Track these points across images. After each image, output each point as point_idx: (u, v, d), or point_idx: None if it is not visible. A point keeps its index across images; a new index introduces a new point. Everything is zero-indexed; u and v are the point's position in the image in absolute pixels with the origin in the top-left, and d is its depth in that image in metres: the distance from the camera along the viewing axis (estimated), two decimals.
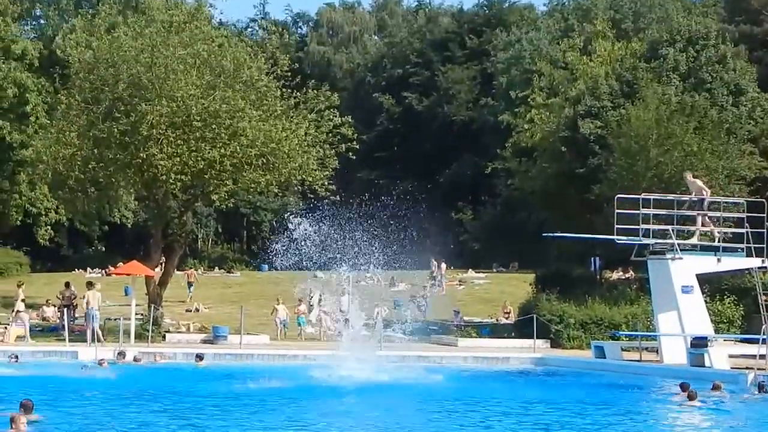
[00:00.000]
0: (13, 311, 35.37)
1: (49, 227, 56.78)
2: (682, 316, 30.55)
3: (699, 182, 32.00)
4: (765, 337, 27.53)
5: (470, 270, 59.70)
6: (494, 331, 40.47)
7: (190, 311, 43.82)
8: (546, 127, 46.94)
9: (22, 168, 51.50)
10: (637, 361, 31.76)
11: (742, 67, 42.59)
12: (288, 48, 75.38)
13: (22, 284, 36.66)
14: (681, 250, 30.85)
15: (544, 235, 36.72)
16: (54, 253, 66.22)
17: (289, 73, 36.82)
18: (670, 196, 32.03)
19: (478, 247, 72.66)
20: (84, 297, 35.13)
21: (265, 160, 35.01)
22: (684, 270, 30.70)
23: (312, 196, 37.98)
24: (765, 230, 31.01)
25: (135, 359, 29.81)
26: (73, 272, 56.00)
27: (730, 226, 33.27)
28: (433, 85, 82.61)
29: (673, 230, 30.82)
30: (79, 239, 69.02)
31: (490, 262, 65.48)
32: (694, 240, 31.58)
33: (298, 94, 36.73)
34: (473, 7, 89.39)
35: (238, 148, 34.32)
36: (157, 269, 38.62)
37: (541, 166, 45.53)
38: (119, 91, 34.98)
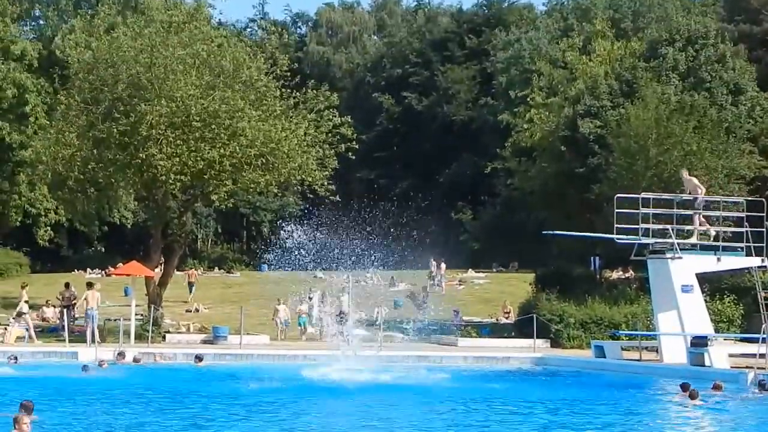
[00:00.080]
0: (16, 312, 35.41)
1: (48, 228, 56.80)
2: (682, 316, 30.55)
3: (695, 180, 31.99)
4: (765, 336, 27.53)
5: (470, 270, 59.71)
6: (494, 330, 40.48)
7: (190, 311, 43.82)
8: (545, 126, 46.93)
9: (21, 168, 51.54)
10: (637, 360, 31.76)
11: (741, 66, 42.57)
12: (287, 48, 75.42)
13: (26, 285, 36.71)
14: (681, 249, 30.85)
15: (544, 234, 36.73)
16: (54, 253, 66.22)
17: (289, 73, 36.84)
18: (670, 196, 32.02)
19: (478, 247, 72.65)
20: (84, 297, 35.16)
21: (264, 160, 35.01)
22: (684, 269, 30.71)
23: (312, 196, 37.97)
24: (764, 229, 31.01)
25: (135, 360, 29.81)
26: (73, 273, 55.99)
27: (729, 226, 33.27)
28: (433, 84, 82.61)
29: (672, 230, 30.82)
30: (78, 240, 69.01)
31: (489, 262, 65.49)
32: (693, 239, 31.58)
33: (297, 94, 36.74)
34: (472, 6, 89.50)
35: (237, 148, 34.32)
36: (157, 270, 38.62)
37: (541, 166, 45.53)
38: (119, 91, 34.99)
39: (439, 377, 27.15)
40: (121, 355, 29.93)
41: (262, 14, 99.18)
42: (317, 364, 28.62)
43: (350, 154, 37.06)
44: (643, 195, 31.24)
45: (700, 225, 31.43)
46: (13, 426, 15.01)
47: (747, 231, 30.94)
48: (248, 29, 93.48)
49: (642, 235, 30.63)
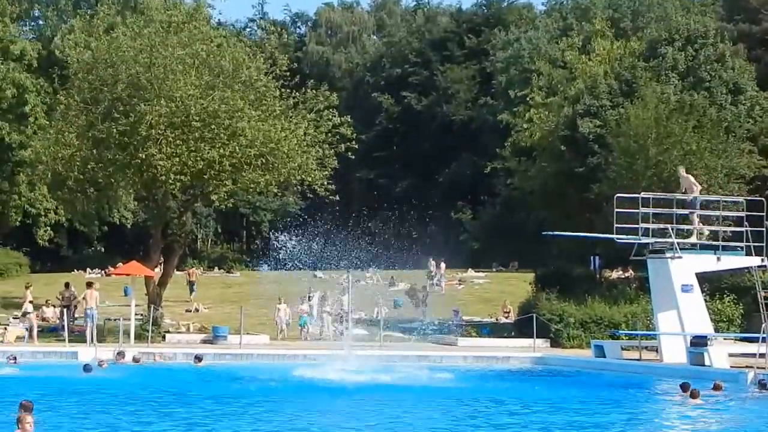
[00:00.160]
0: (21, 312, 35.43)
1: (48, 228, 56.79)
2: (681, 315, 30.56)
3: (691, 178, 31.98)
4: (765, 335, 27.54)
5: (470, 269, 59.71)
6: (494, 330, 40.47)
7: (190, 311, 43.80)
8: (545, 126, 46.93)
9: (21, 168, 51.54)
10: (637, 360, 31.77)
11: (740, 65, 42.57)
12: (287, 48, 75.39)
13: (30, 285, 36.71)
14: (680, 249, 30.86)
15: (544, 234, 36.73)
16: (53, 253, 66.20)
17: (288, 73, 36.83)
18: (670, 195, 32.01)
19: (478, 247, 72.66)
20: (82, 296, 35.17)
21: (264, 160, 35.00)
22: (683, 269, 30.71)
23: (311, 195, 37.96)
24: (764, 229, 31.01)
25: (134, 359, 29.82)
26: (73, 273, 55.95)
27: (729, 225, 33.27)
28: (432, 84, 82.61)
29: (672, 229, 30.82)
30: (78, 240, 68.99)
31: (489, 262, 65.49)
32: (693, 239, 31.58)
33: (297, 94, 36.73)
34: (472, 6, 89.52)
35: (237, 148, 34.31)
36: (157, 269, 38.61)
37: (541, 166, 45.53)
38: (118, 91, 34.98)
39: (439, 377, 27.14)
40: (121, 354, 29.94)
41: (262, 14, 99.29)
42: (316, 364, 28.62)
43: (350, 153, 37.04)
44: (643, 195, 31.24)
45: (697, 224, 31.43)
46: (16, 426, 15.16)
47: (747, 230, 30.95)
48: (248, 29, 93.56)
49: (642, 235, 30.64)
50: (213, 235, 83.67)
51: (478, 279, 56.48)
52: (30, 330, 34.45)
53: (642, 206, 30.76)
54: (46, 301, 41.87)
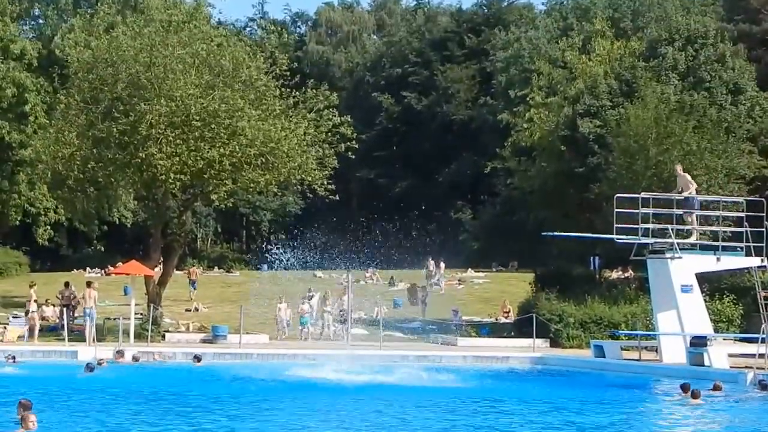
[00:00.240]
0: (26, 311, 35.46)
1: (48, 227, 56.78)
2: (681, 315, 30.56)
3: (687, 176, 31.97)
4: (764, 336, 27.54)
5: (470, 269, 59.70)
6: (494, 330, 40.48)
7: (190, 311, 43.80)
8: (545, 126, 46.92)
9: (21, 168, 51.57)
10: (637, 360, 31.77)
11: (741, 66, 42.57)
12: (287, 47, 75.46)
13: (34, 285, 36.74)
14: (680, 249, 30.85)
15: (544, 234, 36.72)
16: (53, 252, 66.22)
17: (288, 73, 36.82)
18: (670, 195, 31.99)
19: (478, 247, 72.63)
20: (81, 296, 35.18)
21: (264, 160, 35.00)
22: (683, 269, 30.70)
23: (311, 195, 37.95)
24: (764, 229, 30.99)
25: (134, 358, 29.83)
26: (73, 272, 55.96)
27: (729, 225, 33.27)
28: (432, 84, 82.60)
29: (672, 229, 30.83)
30: (78, 239, 69.00)
31: (489, 262, 65.48)
32: (692, 239, 31.58)
33: (297, 93, 36.72)
34: (472, 6, 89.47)
35: (237, 147, 34.31)
36: (157, 269, 38.60)
37: (541, 166, 45.52)
38: (118, 90, 34.98)
39: (438, 377, 27.14)
40: (120, 353, 29.95)
41: (262, 14, 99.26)
42: (316, 364, 28.63)
43: (350, 153, 37.04)
44: (643, 195, 31.23)
45: (691, 223, 31.42)
46: (20, 425, 15.29)
47: (746, 231, 30.93)
48: (248, 28, 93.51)
49: (642, 235, 30.63)
50: (213, 235, 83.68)
51: (478, 279, 56.48)
52: (31, 329, 34.45)
53: (642, 206, 30.75)
54: (46, 300, 41.86)
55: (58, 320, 37.58)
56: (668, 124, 37.49)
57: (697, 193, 31.79)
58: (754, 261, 31.02)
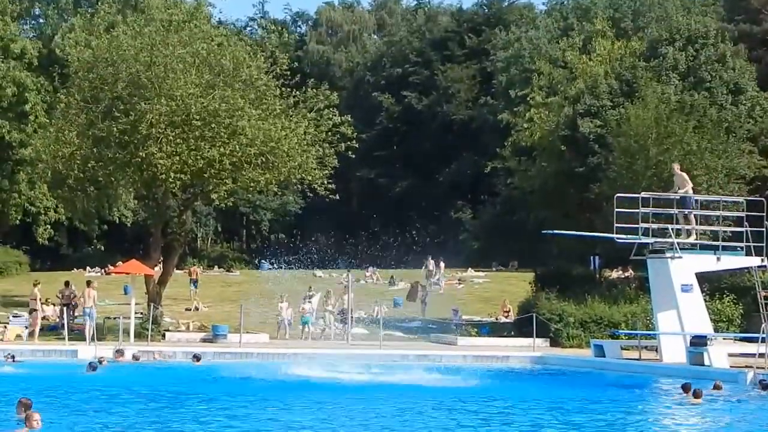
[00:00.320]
0: (29, 310, 35.48)
1: (48, 226, 56.77)
2: (681, 315, 30.57)
3: (684, 175, 31.97)
4: (764, 335, 27.55)
5: (470, 269, 59.71)
6: (494, 329, 40.48)
7: (190, 310, 43.80)
8: (545, 126, 46.93)
9: (21, 167, 51.55)
10: (637, 359, 31.78)
11: (741, 66, 42.58)
12: (287, 47, 75.40)
13: (38, 283, 36.74)
14: (680, 248, 30.86)
15: (544, 233, 36.74)
16: (53, 252, 66.20)
17: (289, 72, 36.82)
18: (670, 195, 32.00)
19: (478, 246, 72.65)
20: (81, 296, 35.18)
21: (264, 159, 35.00)
22: (683, 269, 30.72)
23: (311, 195, 37.95)
24: (764, 229, 31.00)
25: (134, 357, 29.84)
26: (73, 271, 55.94)
27: (729, 225, 33.27)
28: (433, 84, 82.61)
29: (672, 229, 30.83)
30: (78, 238, 68.98)
31: (489, 261, 65.49)
32: (692, 238, 31.59)
33: (297, 93, 36.72)
34: (472, 6, 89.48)
35: (237, 147, 34.31)
36: (157, 268, 38.61)
37: (541, 165, 45.53)
38: (118, 90, 34.97)
39: (437, 376, 27.15)
40: (120, 352, 29.96)
41: (262, 13, 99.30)
42: (315, 363, 28.62)
43: (350, 153, 37.02)
44: (643, 194, 31.24)
45: (686, 222, 31.41)
46: (24, 424, 15.47)
47: (747, 231, 30.95)
48: (248, 28, 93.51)
49: (642, 235, 30.64)
50: (213, 234, 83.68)
51: (478, 278, 56.48)
52: (32, 327, 34.44)
53: (642, 206, 30.77)
54: (46, 300, 41.87)
55: (58, 319, 37.59)
56: (668, 124, 37.50)
57: (693, 192, 31.80)
58: (754, 261, 31.03)
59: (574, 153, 41.38)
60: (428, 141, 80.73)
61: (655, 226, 31.06)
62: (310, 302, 39.04)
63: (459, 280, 54.75)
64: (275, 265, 40.07)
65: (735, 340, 32.81)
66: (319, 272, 58.05)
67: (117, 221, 60.00)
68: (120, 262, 48.46)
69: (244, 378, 26.33)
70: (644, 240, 30.82)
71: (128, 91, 34.88)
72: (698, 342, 29.62)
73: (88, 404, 20.65)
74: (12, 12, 52.81)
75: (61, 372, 26.84)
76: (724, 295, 36.82)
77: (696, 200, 31.85)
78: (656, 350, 31.91)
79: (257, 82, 35.83)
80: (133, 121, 34.19)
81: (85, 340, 32.87)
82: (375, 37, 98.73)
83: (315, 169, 36.11)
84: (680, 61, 41.74)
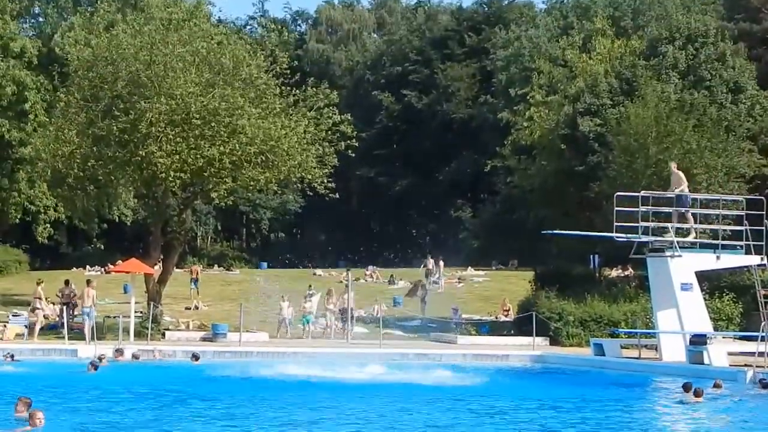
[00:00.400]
0: (31, 308, 35.49)
1: (48, 225, 56.78)
2: (681, 314, 30.58)
3: (681, 174, 31.97)
4: (764, 334, 27.56)
5: (470, 268, 59.73)
6: (493, 328, 40.49)
7: (190, 309, 43.79)
8: (545, 124, 46.92)
9: (21, 166, 51.55)
10: (636, 358, 31.80)
11: (741, 64, 42.57)
12: (287, 46, 75.52)
13: (42, 282, 36.74)
14: (680, 247, 30.87)
15: (544, 232, 36.74)
16: (53, 251, 66.20)
17: (289, 71, 36.80)
18: (670, 194, 32.01)
19: (478, 245, 72.67)
20: (80, 295, 35.18)
21: (264, 158, 34.98)
22: (683, 267, 30.74)
23: (311, 193, 37.96)
24: (764, 228, 31.02)
25: (134, 356, 29.84)
26: (73, 270, 55.94)
27: (729, 224, 33.27)
28: (433, 82, 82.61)
29: (672, 228, 30.83)
30: (78, 237, 69.00)
31: (489, 260, 65.52)
32: (691, 237, 31.60)
33: (297, 91, 36.70)
34: (472, 4, 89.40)
35: (237, 145, 34.30)
36: (156, 267, 38.61)
37: (541, 164, 45.52)
38: (118, 88, 34.95)
39: (437, 375, 27.15)
40: (120, 352, 29.96)
41: (262, 12, 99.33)
42: (315, 362, 28.63)
43: (350, 151, 37.00)
44: (643, 193, 31.25)
45: (680, 221, 31.40)
46: (27, 422, 15.64)
47: (746, 229, 30.95)
48: (248, 27, 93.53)
49: (641, 233, 30.65)
50: (213, 233, 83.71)
51: (478, 277, 56.49)
52: (32, 326, 34.45)
53: (642, 205, 30.77)
54: (46, 299, 41.87)
55: (57, 318, 37.59)
56: (668, 122, 37.51)
57: (694, 191, 31.81)
58: (754, 259, 31.04)
59: (573, 152, 41.38)
60: (428, 140, 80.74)
61: (654, 224, 31.06)
62: (310, 301, 39.05)
63: (459, 278, 54.76)
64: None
65: (734, 338, 32.82)
66: (319, 271, 58.12)
67: (117, 220, 60.02)
68: (120, 261, 48.46)
69: (245, 378, 26.31)
70: (644, 239, 30.83)
71: (128, 90, 34.86)
72: (698, 341, 29.64)
73: (87, 403, 20.67)
74: (12, 11, 52.81)
75: (61, 371, 26.84)
76: (724, 294, 36.83)
77: (691, 199, 31.84)
78: (656, 349, 31.92)
79: (257, 81, 35.81)
80: (132, 119, 34.18)
81: (84, 339, 32.87)
82: (375, 35, 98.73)
83: (315, 167, 36.09)
84: (680, 60, 41.73)
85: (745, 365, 27.58)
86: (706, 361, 29.01)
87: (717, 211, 32.99)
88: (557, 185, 42.60)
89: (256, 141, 34.34)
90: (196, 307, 44.12)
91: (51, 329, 36.89)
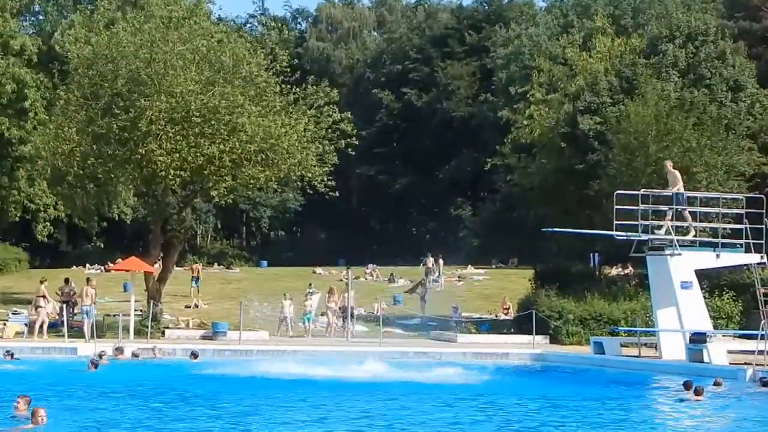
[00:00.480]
0: (32, 306, 35.48)
1: (47, 223, 56.75)
2: (681, 312, 30.58)
3: (677, 173, 31.96)
4: (764, 332, 27.57)
5: (469, 266, 59.74)
6: (493, 326, 40.50)
7: (189, 307, 43.80)
8: (545, 123, 46.89)
9: (21, 164, 51.54)
10: (636, 356, 31.80)
11: (741, 63, 42.56)
12: (287, 44, 75.32)
13: (45, 280, 36.73)
14: (680, 245, 30.87)
15: (544, 230, 36.75)
16: (53, 249, 66.19)
17: (289, 69, 36.81)
18: (669, 192, 32.00)
19: (478, 243, 72.69)
20: (80, 293, 35.18)
21: (264, 156, 34.98)
22: (683, 266, 30.73)
23: (311, 191, 37.96)
24: (764, 226, 31.01)
25: (134, 354, 29.84)
26: (72, 268, 55.96)
27: (729, 222, 33.27)
28: (433, 81, 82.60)
29: (672, 226, 30.83)
30: (77, 235, 69.00)
31: (489, 258, 65.53)
32: (691, 236, 31.60)
33: (297, 89, 36.69)
34: (473, 3, 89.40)
35: (237, 143, 34.29)
36: (156, 265, 38.61)
37: (541, 162, 45.52)
38: (118, 86, 34.94)
39: (437, 373, 27.15)
40: (119, 350, 29.96)
41: (262, 10, 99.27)
42: (315, 361, 28.63)
43: (350, 150, 37.01)
44: (643, 191, 31.25)
45: (675, 219, 31.38)
46: (29, 419, 15.78)
47: (746, 228, 30.95)
48: (248, 25, 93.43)
49: (641, 232, 30.64)
50: (213, 231, 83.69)
51: (478, 275, 56.50)
52: (33, 324, 34.45)
53: (641, 203, 30.76)
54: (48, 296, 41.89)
55: (57, 317, 37.58)
56: (668, 121, 37.51)
57: (694, 189, 31.81)
58: (754, 258, 31.05)
59: (573, 150, 41.37)
60: (428, 138, 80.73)
61: (654, 223, 31.05)
62: (311, 299, 39.06)
63: (459, 277, 54.78)
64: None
65: (734, 337, 32.84)
66: (319, 269, 58.11)
67: (116, 218, 60.01)
68: (119, 259, 48.43)
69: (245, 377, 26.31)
70: (644, 237, 30.83)
71: (128, 88, 34.85)
72: (698, 339, 29.65)
73: (87, 401, 20.67)
74: (11, 8, 52.76)
75: (61, 369, 26.84)
76: (724, 292, 36.84)
77: (691, 197, 31.83)
78: (656, 347, 31.92)
79: (257, 79, 35.80)
80: (132, 117, 34.17)
81: (84, 337, 32.87)
82: (375, 34, 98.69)
83: (315, 166, 36.08)
84: (680, 58, 41.72)
85: (745, 363, 27.60)
86: (705, 359, 29.02)
87: (717, 210, 32.97)
88: (557, 183, 42.60)
89: (256, 139, 34.33)
90: (196, 306, 44.14)
91: (51, 327, 36.89)
